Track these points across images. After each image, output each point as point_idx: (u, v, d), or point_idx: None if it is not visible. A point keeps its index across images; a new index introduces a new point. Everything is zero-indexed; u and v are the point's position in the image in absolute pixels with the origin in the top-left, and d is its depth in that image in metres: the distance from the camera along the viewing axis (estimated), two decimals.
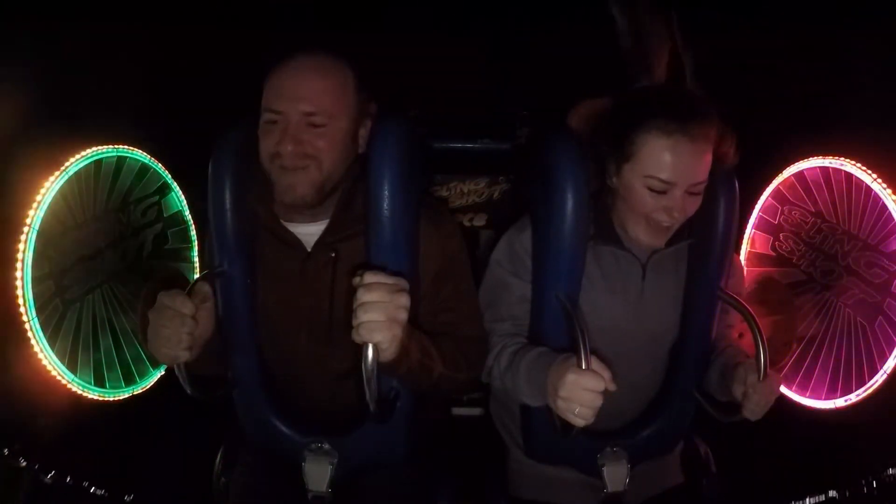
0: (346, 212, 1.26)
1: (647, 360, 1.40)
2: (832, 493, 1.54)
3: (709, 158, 1.18)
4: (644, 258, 1.33)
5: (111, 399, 1.59)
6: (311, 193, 1.19)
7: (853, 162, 1.63)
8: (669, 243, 1.30)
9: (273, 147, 1.17)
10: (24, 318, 1.35)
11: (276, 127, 1.17)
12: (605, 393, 1.02)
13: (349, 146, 1.23)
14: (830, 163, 1.70)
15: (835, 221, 1.70)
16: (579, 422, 1.04)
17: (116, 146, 1.62)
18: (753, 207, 1.97)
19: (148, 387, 1.73)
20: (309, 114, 1.16)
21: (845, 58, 1.56)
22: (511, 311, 1.34)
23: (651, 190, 1.19)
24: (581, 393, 1.02)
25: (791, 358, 1.80)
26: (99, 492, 1.50)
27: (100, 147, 1.56)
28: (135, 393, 1.67)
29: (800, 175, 1.81)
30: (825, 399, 1.70)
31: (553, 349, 1.26)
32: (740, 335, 1.46)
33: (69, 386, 1.45)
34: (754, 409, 1.17)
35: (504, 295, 1.35)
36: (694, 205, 1.22)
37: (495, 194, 2.19)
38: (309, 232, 1.27)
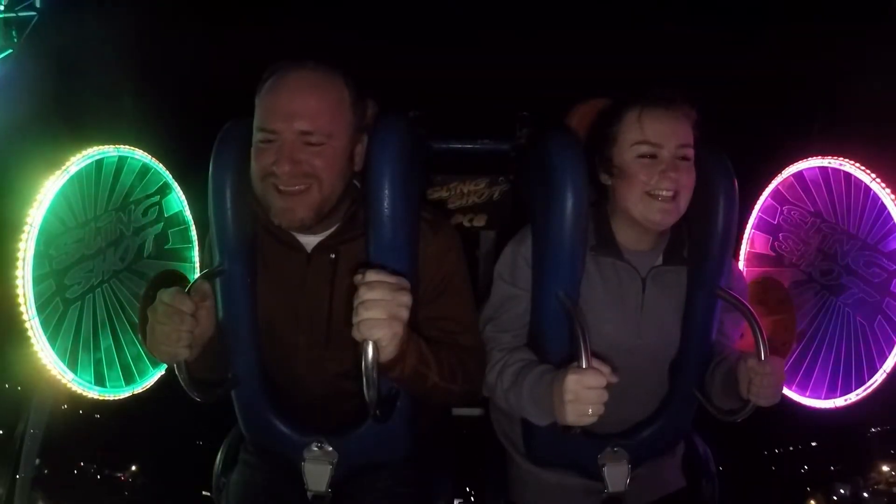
0: (350, 222, 1.26)
1: (652, 375, 1.40)
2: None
3: (688, 125, 1.24)
4: (644, 271, 1.34)
5: (111, 398, 1.59)
6: (309, 216, 1.17)
7: (852, 162, 1.63)
8: (668, 261, 1.33)
9: (268, 167, 1.14)
10: (25, 316, 1.35)
11: (272, 146, 1.14)
12: (609, 388, 1.03)
13: (346, 165, 1.21)
14: (829, 163, 1.70)
15: (834, 221, 1.70)
16: (589, 420, 1.04)
17: (117, 146, 1.62)
18: (753, 207, 1.97)
19: (148, 386, 1.73)
20: (306, 133, 1.13)
21: (845, 58, 1.56)
22: (513, 324, 1.35)
23: (642, 157, 1.24)
24: (586, 392, 1.03)
25: (791, 358, 1.80)
26: (98, 490, 1.50)
27: (101, 147, 1.56)
28: (135, 392, 1.68)
29: (799, 175, 1.81)
30: (825, 399, 1.70)
31: (553, 349, 1.27)
32: (741, 335, 1.46)
33: (69, 385, 1.46)
34: (759, 392, 1.16)
35: (507, 307, 1.36)
36: (688, 175, 1.23)
37: (495, 194, 2.19)
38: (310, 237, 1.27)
